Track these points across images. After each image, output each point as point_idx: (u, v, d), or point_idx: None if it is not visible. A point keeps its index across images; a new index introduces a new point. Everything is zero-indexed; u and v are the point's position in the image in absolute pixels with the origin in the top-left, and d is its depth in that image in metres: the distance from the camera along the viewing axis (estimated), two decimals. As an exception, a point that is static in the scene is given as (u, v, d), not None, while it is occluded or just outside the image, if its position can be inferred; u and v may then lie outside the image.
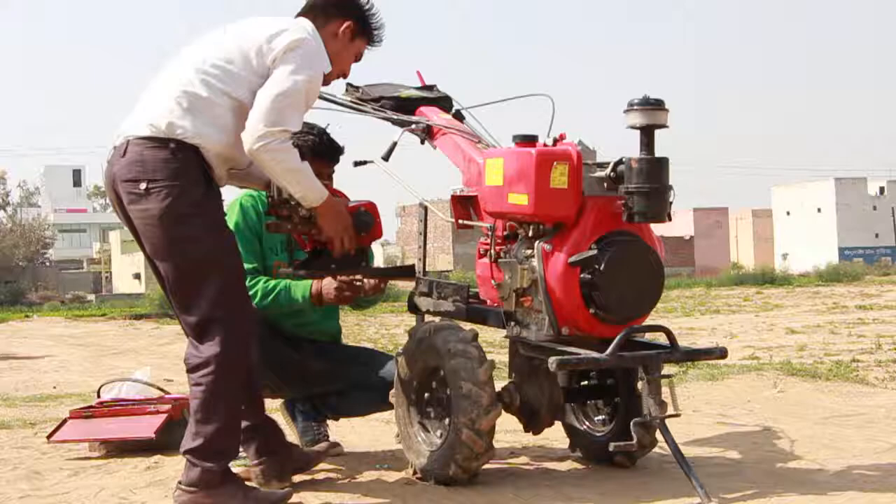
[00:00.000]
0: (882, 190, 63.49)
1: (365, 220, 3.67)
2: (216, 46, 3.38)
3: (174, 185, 3.21)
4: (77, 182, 76.34)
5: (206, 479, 3.25)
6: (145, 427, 4.46)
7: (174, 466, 4.13)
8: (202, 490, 3.25)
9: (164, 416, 4.50)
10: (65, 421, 4.67)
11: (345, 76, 3.71)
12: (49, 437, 4.64)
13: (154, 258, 3.34)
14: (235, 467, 3.68)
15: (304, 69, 3.30)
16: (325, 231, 3.55)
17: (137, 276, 49.26)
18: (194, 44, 3.46)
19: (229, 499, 3.26)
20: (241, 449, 3.58)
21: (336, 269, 3.79)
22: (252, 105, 3.26)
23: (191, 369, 3.28)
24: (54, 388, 8.41)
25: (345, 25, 3.56)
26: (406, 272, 3.87)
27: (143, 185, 3.22)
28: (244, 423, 3.46)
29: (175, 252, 3.26)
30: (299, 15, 3.52)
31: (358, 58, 3.67)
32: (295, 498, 3.47)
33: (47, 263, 53.70)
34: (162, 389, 5.05)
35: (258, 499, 3.32)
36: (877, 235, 60.86)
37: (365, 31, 3.62)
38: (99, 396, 5.01)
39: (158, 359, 11.45)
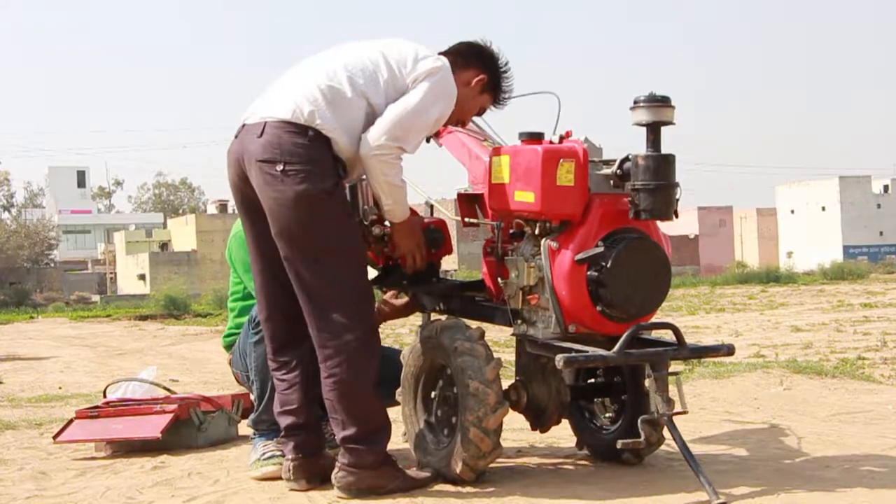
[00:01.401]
0: (886, 188, 63.44)
1: (435, 237, 3.77)
2: (366, 53, 3.51)
3: (309, 169, 3.32)
4: (81, 183, 76.47)
5: (368, 460, 3.41)
6: (151, 427, 4.46)
7: (180, 466, 4.14)
8: (366, 470, 3.40)
9: (171, 415, 4.50)
10: (71, 421, 4.67)
11: (463, 125, 3.81)
12: (55, 437, 4.64)
13: (280, 238, 3.40)
14: (272, 465, 3.72)
15: (439, 97, 3.46)
16: (398, 248, 3.66)
17: (142, 277, 49.34)
18: (342, 46, 3.60)
19: (391, 479, 3.44)
20: (279, 444, 3.71)
21: (408, 284, 3.84)
22: (381, 114, 3.40)
23: (325, 359, 3.39)
24: (60, 388, 8.42)
25: (479, 77, 3.66)
26: (477, 286, 3.90)
27: (279, 167, 3.32)
28: (291, 420, 3.56)
29: (306, 235, 3.36)
30: (440, 53, 3.61)
31: (480, 112, 3.78)
32: (301, 496, 3.48)
33: (52, 264, 53.85)
34: (168, 389, 5.06)
35: (412, 479, 3.49)
36: (881, 233, 60.80)
37: (494, 88, 3.72)
38: (105, 396, 5.01)
39: (164, 359, 11.47)
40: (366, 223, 3.60)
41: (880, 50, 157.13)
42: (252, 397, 4.11)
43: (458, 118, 3.69)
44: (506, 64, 3.71)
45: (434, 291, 3.89)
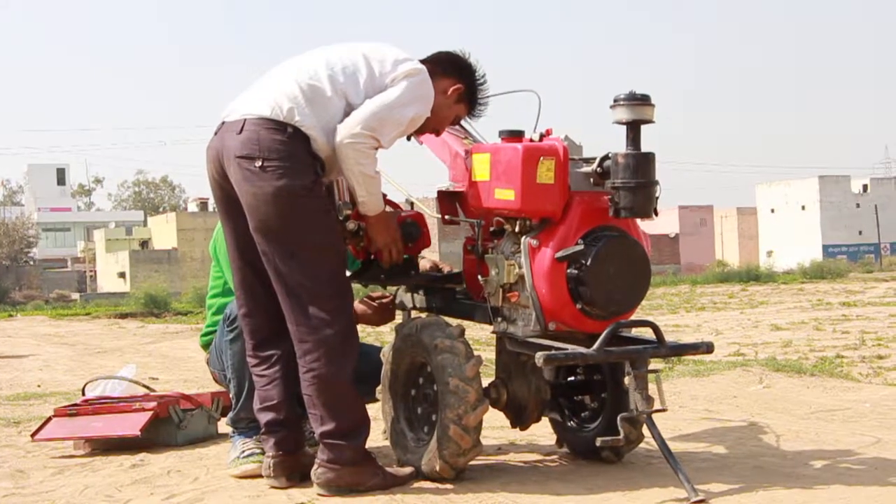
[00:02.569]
0: (865, 188, 63.83)
1: (411, 231, 3.76)
2: (347, 53, 3.53)
3: (288, 165, 3.33)
4: (61, 181, 76.03)
5: (348, 456, 3.41)
6: (130, 425, 4.44)
7: (160, 464, 4.12)
8: (346, 467, 3.40)
9: (150, 413, 4.48)
10: (49, 419, 4.64)
11: (437, 134, 3.81)
12: (33, 435, 4.61)
13: (259, 234, 3.41)
14: (252, 463, 3.71)
15: (417, 98, 3.47)
16: (374, 242, 3.65)
17: (122, 275, 49.10)
18: (324, 47, 3.61)
19: (371, 476, 3.44)
20: (258, 442, 3.72)
21: (386, 279, 3.83)
22: None
23: (303, 353, 3.39)
24: (38, 386, 8.37)
25: (456, 87, 3.67)
26: (454, 279, 3.90)
27: (258, 163, 3.33)
28: (272, 416, 3.56)
29: (284, 231, 3.36)
30: (420, 62, 3.61)
31: (455, 121, 3.79)
32: (281, 493, 3.48)
33: (31, 262, 53.49)
34: (147, 387, 5.03)
35: (392, 476, 3.49)
36: (860, 233, 61.16)
37: (470, 99, 3.73)
38: (84, 394, 4.99)
39: (143, 357, 11.41)
40: (340, 218, 3.60)
41: (861, 51, 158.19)
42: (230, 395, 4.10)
43: (434, 126, 3.70)
44: (482, 76, 3.73)
45: (413, 285, 3.89)
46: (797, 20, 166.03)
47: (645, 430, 3.50)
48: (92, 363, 10.97)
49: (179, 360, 10.81)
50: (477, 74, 3.72)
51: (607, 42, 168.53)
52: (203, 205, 54.12)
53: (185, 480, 3.79)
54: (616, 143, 3.43)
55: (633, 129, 3.37)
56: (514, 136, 3.53)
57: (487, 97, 3.76)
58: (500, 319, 3.58)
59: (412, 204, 4.00)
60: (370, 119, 3.37)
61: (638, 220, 3.53)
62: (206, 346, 4.26)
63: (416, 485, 3.50)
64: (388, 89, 3.44)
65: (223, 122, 3.50)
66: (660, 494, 3.29)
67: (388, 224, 3.64)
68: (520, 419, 3.81)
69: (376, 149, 3.42)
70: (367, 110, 3.39)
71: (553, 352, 3.30)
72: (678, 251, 55.55)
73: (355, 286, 3.72)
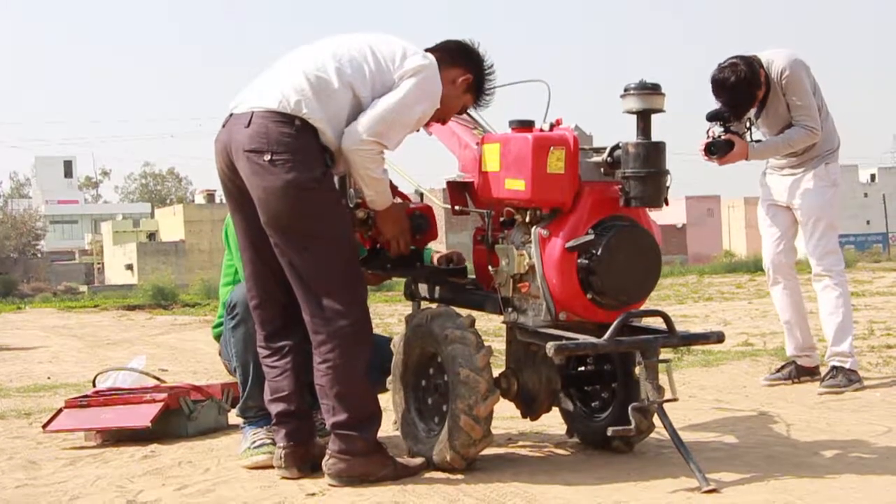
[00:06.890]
0: (873, 177, 63.66)
1: (420, 224, 3.78)
2: (354, 44, 3.52)
3: (297, 158, 3.33)
4: (68, 173, 76.15)
5: (359, 447, 3.41)
6: (141, 416, 4.45)
7: (170, 455, 4.14)
8: (357, 457, 3.41)
9: (161, 404, 4.49)
10: (60, 410, 4.66)
11: (443, 122, 3.81)
12: (44, 426, 4.63)
13: (270, 227, 3.41)
14: (262, 454, 3.72)
15: (424, 96, 3.46)
16: (383, 234, 3.68)
17: (130, 267, 49.20)
18: (331, 37, 3.60)
19: (382, 466, 3.45)
20: (269, 432, 3.73)
21: (391, 269, 3.85)
22: (367, 107, 3.41)
23: (318, 344, 3.40)
24: (48, 378, 8.37)
25: (464, 77, 3.67)
26: (458, 272, 3.91)
27: (267, 157, 3.33)
28: (283, 407, 3.56)
29: (295, 224, 3.37)
30: (428, 50, 3.61)
31: (462, 110, 3.79)
32: (292, 484, 3.48)
33: (39, 255, 53.57)
34: (158, 378, 5.05)
35: (403, 466, 3.50)
36: (868, 222, 60.99)
37: (478, 89, 3.73)
38: (94, 386, 5.00)
39: (153, 349, 11.41)
40: (350, 206, 3.62)
41: (868, 39, 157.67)
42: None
43: (441, 115, 3.70)
44: (490, 66, 3.73)
45: (417, 277, 3.90)
46: (803, 7, 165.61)
47: (656, 420, 3.50)
48: (101, 355, 10.98)
49: (188, 352, 10.81)
50: (485, 64, 3.71)
51: (617, 30, 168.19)
52: (210, 196, 54.15)
53: (197, 471, 3.80)
54: (626, 132, 3.43)
55: (644, 118, 3.37)
56: (524, 126, 3.52)
57: (495, 87, 3.75)
58: (510, 310, 3.58)
59: (421, 195, 4.00)
60: (377, 124, 3.37)
61: (648, 210, 3.52)
62: (218, 337, 4.26)
63: (426, 475, 3.51)
64: (395, 88, 3.43)
65: (231, 114, 3.50)
66: (671, 484, 3.29)
67: (397, 216, 3.65)
68: (530, 409, 3.82)
69: (382, 152, 3.43)
70: (373, 115, 3.38)
71: (564, 342, 3.31)
72: (685, 241, 55.46)
73: None
